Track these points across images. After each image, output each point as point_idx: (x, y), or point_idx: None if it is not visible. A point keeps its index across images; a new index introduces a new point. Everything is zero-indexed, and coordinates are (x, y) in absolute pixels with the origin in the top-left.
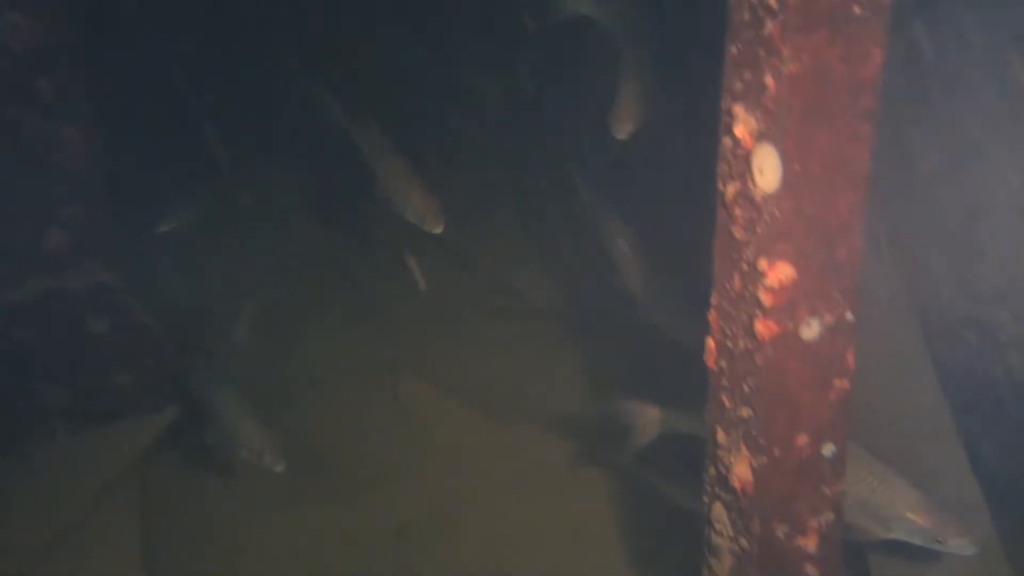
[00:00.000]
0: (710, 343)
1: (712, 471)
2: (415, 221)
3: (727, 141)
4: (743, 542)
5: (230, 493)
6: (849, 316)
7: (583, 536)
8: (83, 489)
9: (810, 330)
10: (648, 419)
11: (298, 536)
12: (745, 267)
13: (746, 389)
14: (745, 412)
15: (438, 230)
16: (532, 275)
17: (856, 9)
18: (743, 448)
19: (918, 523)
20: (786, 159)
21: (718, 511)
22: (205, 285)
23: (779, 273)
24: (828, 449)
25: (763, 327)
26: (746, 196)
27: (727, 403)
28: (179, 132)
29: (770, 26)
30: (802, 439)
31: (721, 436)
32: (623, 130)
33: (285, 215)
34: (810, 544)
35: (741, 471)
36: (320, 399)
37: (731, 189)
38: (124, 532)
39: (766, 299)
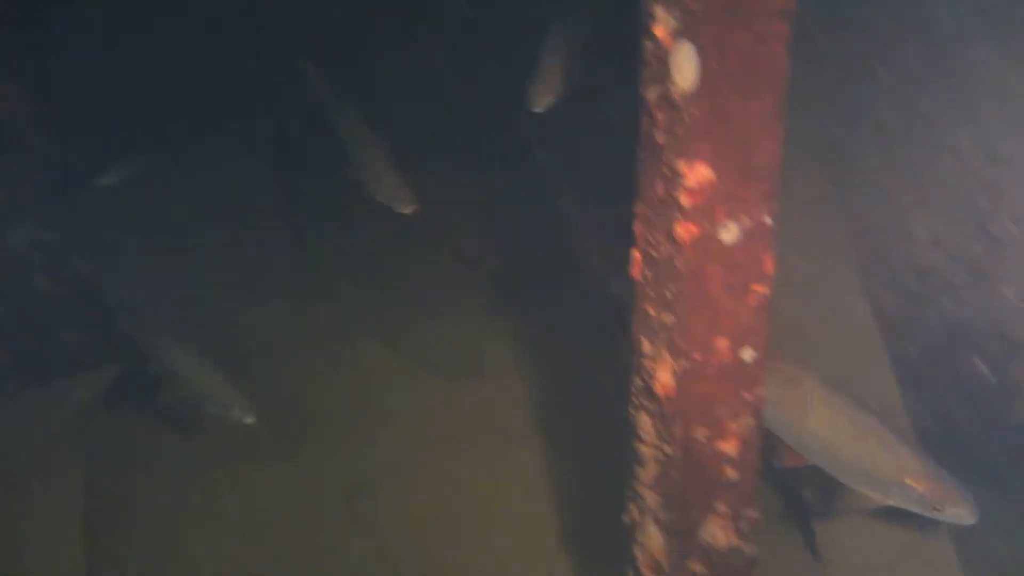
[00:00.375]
0: (635, 254)
1: (638, 382)
2: (386, 202)
3: (648, 44)
4: (666, 448)
5: (178, 452)
6: (767, 220)
7: (533, 493)
8: (23, 446)
9: (729, 233)
10: None
11: (247, 494)
12: (666, 171)
13: (668, 295)
14: (667, 318)
15: (409, 211)
16: (484, 240)
17: None
18: (666, 355)
19: (917, 490)
20: (704, 57)
21: (643, 421)
22: (150, 246)
23: (698, 174)
24: (747, 354)
25: (683, 230)
26: (666, 98)
27: (651, 312)
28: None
29: None
30: (722, 343)
31: (646, 346)
32: (541, 103)
33: (239, 184)
34: (730, 447)
35: (663, 377)
36: (273, 364)
37: (652, 93)
38: (66, 490)
39: (685, 201)
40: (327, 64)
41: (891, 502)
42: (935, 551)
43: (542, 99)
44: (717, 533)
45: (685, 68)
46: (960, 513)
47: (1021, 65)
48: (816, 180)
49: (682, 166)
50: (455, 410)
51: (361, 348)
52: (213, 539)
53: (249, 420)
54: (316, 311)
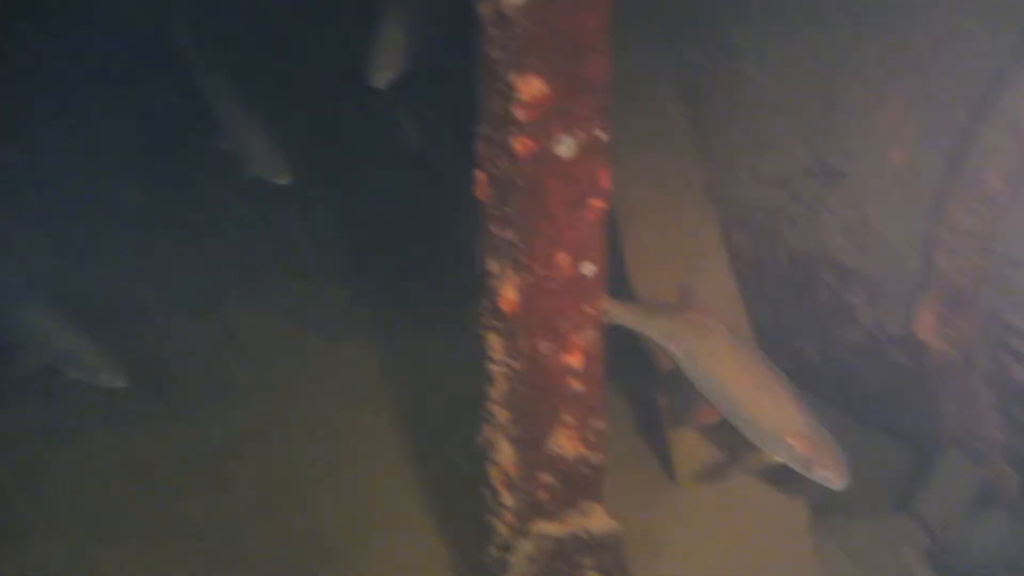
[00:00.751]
0: (479, 175)
1: (487, 303)
2: (260, 173)
3: None
4: (513, 363)
5: (44, 416)
6: (600, 134)
7: (400, 440)
8: None
9: (564, 148)
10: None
11: (115, 454)
12: (502, 87)
13: (510, 212)
14: (510, 235)
15: (284, 182)
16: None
17: None
18: (510, 272)
19: (795, 449)
20: None
21: (492, 340)
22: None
23: (531, 88)
24: (587, 268)
25: (520, 145)
26: (499, 12)
27: (495, 231)
28: None
29: None
30: (563, 258)
31: (492, 266)
32: (381, 79)
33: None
34: (575, 360)
35: (508, 294)
36: (144, 327)
37: (486, 7)
38: None
39: (521, 115)
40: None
41: (779, 458)
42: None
43: (381, 74)
44: (564, 444)
45: None
46: (829, 477)
47: (853, 9)
48: (674, 120)
49: (516, 80)
50: (327, 364)
51: (227, 309)
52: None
53: (120, 384)
54: (189, 274)
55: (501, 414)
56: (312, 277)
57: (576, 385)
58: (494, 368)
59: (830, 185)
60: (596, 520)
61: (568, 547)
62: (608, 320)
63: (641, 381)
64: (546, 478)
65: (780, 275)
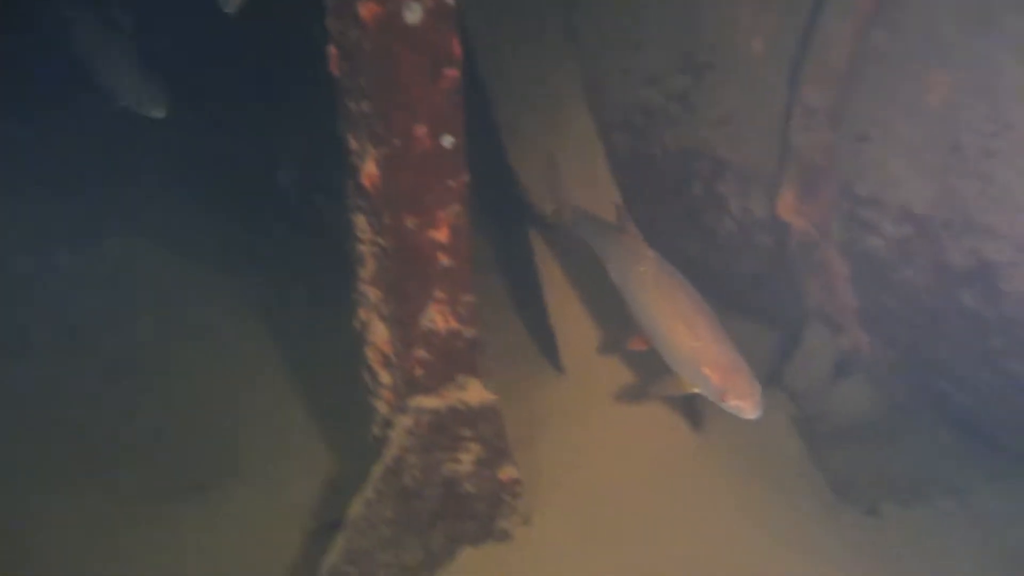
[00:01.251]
0: (331, 49)
1: (350, 183)
2: (136, 107)
3: None
4: (380, 240)
5: None
6: (448, 0)
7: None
8: None
9: (412, 13)
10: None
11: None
12: None
13: (363, 83)
14: (365, 107)
15: (160, 114)
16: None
17: None
18: (368, 146)
19: (710, 379)
20: None
21: (358, 220)
22: None
23: None
24: (447, 140)
25: (366, 11)
26: None
27: (351, 105)
28: None
29: None
30: (420, 130)
31: (352, 142)
32: (231, 4)
33: None
34: (441, 235)
35: (368, 168)
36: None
37: None
38: None
39: None
40: None
41: (697, 390)
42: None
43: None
44: (437, 318)
45: None
46: (742, 407)
47: None
48: (550, 24)
49: None
50: (205, 295)
51: (107, 244)
52: None
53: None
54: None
55: (372, 293)
56: (190, 208)
57: (445, 260)
58: (362, 248)
59: (699, 80)
60: (473, 393)
61: (447, 420)
62: (569, 226)
63: (531, 279)
64: (421, 354)
65: (658, 173)
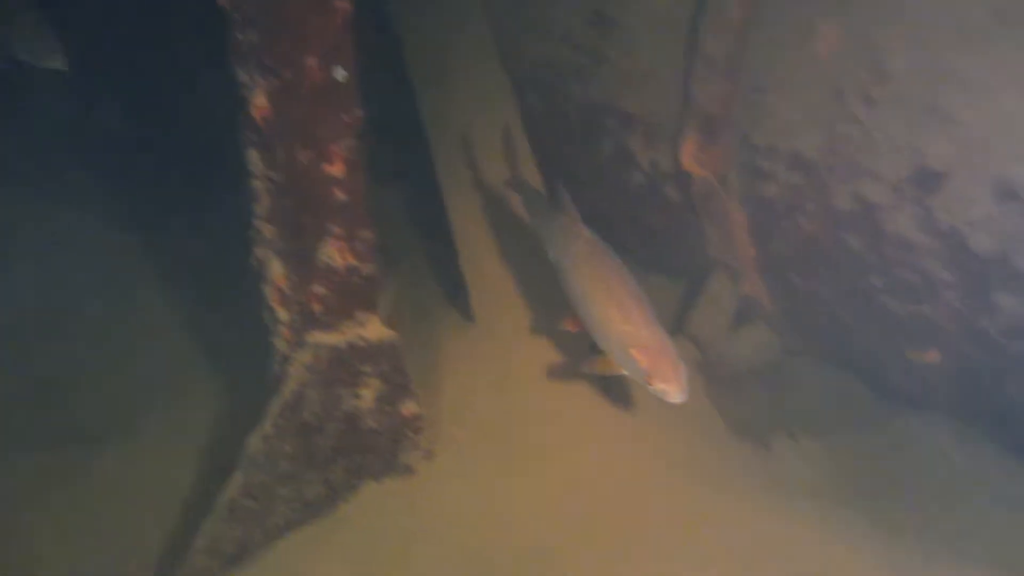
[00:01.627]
0: None
1: (243, 118)
2: (30, 58)
3: None
4: (273, 175)
5: None
6: None
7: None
8: None
9: None
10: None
11: None
12: None
13: (250, 11)
14: (253, 37)
15: (58, 65)
16: None
17: None
18: (258, 78)
19: (636, 361)
20: None
21: (251, 155)
22: None
23: None
24: (339, 73)
25: None
26: None
27: (239, 36)
28: None
29: None
30: (311, 61)
31: (242, 76)
32: None
33: None
34: (336, 170)
35: (259, 101)
36: None
37: None
38: None
39: None
40: None
41: (626, 371)
42: None
43: None
44: (334, 254)
45: None
46: (667, 390)
47: None
48: None
49: None
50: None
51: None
52: None
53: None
54: None
55: (268, 230)
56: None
57: (340, 195)
58: (257, 184)
59: (606, 35)
60: (372, 329)
61: (346, 355)
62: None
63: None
64: (319, 290)
65: (569, 130)
